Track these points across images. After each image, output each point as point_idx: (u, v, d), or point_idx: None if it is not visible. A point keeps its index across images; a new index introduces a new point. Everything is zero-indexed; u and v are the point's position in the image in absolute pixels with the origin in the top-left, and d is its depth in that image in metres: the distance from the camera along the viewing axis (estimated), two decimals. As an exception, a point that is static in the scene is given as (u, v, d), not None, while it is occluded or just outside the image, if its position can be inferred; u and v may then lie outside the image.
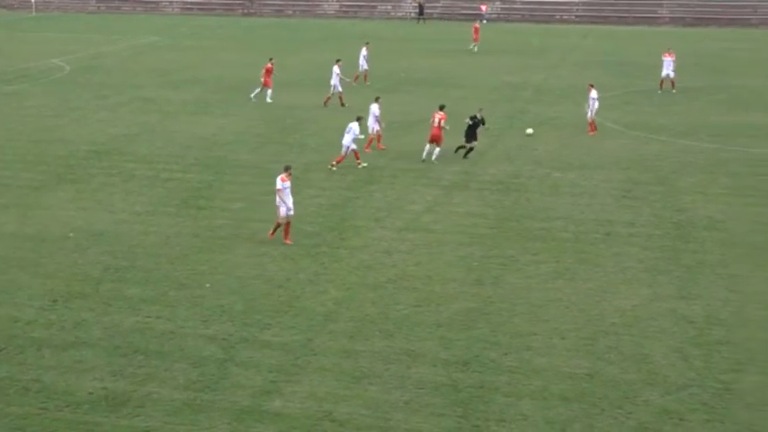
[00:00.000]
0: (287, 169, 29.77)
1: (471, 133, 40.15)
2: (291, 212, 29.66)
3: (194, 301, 25.22)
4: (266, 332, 23.34)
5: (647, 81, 61.01)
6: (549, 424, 19.17)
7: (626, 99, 54.32)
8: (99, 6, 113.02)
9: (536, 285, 26.44)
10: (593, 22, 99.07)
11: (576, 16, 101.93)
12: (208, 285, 26.31)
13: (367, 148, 41.44)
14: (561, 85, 60.33)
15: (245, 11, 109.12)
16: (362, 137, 39.41)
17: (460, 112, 48.20)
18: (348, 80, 54.36)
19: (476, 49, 75.86)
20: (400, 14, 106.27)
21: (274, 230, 29.84)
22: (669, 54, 57.80)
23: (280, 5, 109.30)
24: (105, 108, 52.13)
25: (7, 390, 20.44)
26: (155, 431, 18.95)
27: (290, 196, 29.62)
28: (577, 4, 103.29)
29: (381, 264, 28.03)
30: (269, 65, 54.29)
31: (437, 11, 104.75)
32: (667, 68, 57.18)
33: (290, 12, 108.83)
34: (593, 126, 45.48)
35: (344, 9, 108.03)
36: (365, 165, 38.70)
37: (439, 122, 39.18)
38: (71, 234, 30.59)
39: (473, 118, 40.17)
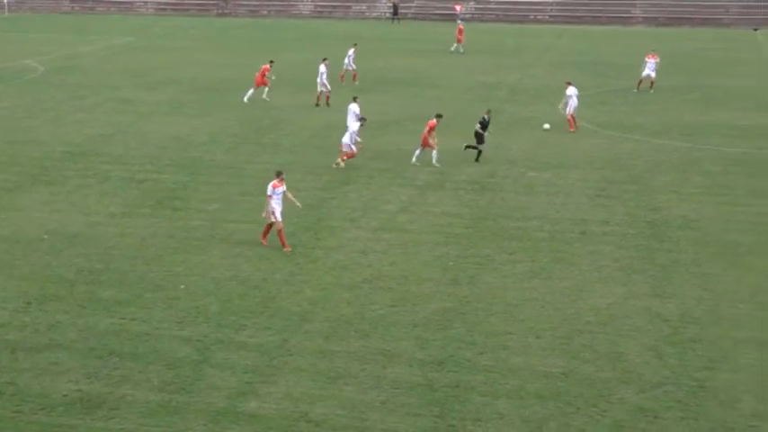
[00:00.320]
0: (279, 175, 29.19)
1: (481, 136, 39.87)
2: (279, 219, 29.01)
3: (169, 302, 25.15)
4: (242, 333, 23.31)
5: (620, 81, 61.30)
6: (524, 423, 19.24)
7: (600, 99, 54.54)
8: (73, 7, 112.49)
9: (512, 285, 26.51)
10: (567, 22, 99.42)
11: (550, 16, 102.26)
12: (183, 287, 26.24)
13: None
14: (536, 84, 60.52)
15: (220, 11, 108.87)
16: (360, 140, 39.37)
17: (437, 113, 48.30)
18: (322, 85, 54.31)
19: (461, 50, 75.57)
20: (375, 15, 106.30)
21: (282, 239, 29.09)
22: (653, 56, 58.41)
23: (254, 6, 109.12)
24: (80, 109, 51.90)
25: (-19, 393, 20.35)
26: (130, 433, 18.92)
27: (281, 203, 29.02)
28: (551, 4, 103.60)
29: (357, 264, 28.04)
30: (267, 66, 54.16)
31: (411, 11, 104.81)
32: (650, 69, 57.70)
33: (265, 12, 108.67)
34: (572, 123, 45.77)
35: (319, 9, 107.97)
36: (342, 166, 38.64)
37: (428, 130, 38.72)
38: (45, 236, 30.44)
39: (482, 121, 39.90)
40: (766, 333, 23.36)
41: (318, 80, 52.55)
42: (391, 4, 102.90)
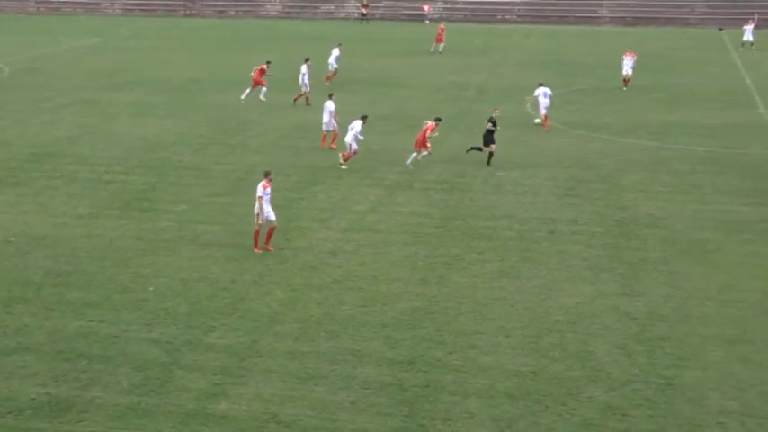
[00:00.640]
0: (267, 175, 28.88)
1: (489, 137, 39.58)
2: (273, 218, 28.81)
3: (138, 304, 25.04)
4: (211, 334, 23.24)
5: (588, 80, 61.60)
6: (494, 422, 19.29)
7: (568, 98, 54.75)
8: (38, 7, 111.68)
9: (481, 284, 26.57)
10: (534, 22, 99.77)
11: (518, 16, 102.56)
12: (151, 288, 26.13)
13: (331, 143, 42.03)
14: (504, 84, 60.69)
15: (187, 11, 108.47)
16: (362, 138, 39.39)
17: (406, 113, 48.38)
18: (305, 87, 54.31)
19: (440, 49, 75.53)
20: (343, 15, 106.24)
21: (257, 241, 28.97)
22: (630, 54, 59.25)
23: (222, 6, 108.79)
24: (46, 110, 51.55)
25: (-52, 397, 20.18)
26: (99, 436, 18.83)
27: (269, 203, 28.84)
28: (519, 3, 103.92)
29: (326, 264, 28.03)
30: (264, 66, 54.05)
31: (379, 11, 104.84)
32: (627, 67, 58.54)
33: (233, 12, 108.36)
34: (545, 122, 46.18)
35: (287, 10, 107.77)
36: (344, 167, 38.65)
37: (424, 131, 38.46)
38: (12, 238, 30.21)
39: (491, 120, 39.69)
40: (733, 330, 23.55)
41: (300, 80, 52.52)
42: (361, 5, 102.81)
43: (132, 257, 28.62)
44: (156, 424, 19.13)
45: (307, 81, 52.34)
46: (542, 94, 46.89)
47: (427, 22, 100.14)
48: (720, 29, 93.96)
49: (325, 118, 42.02)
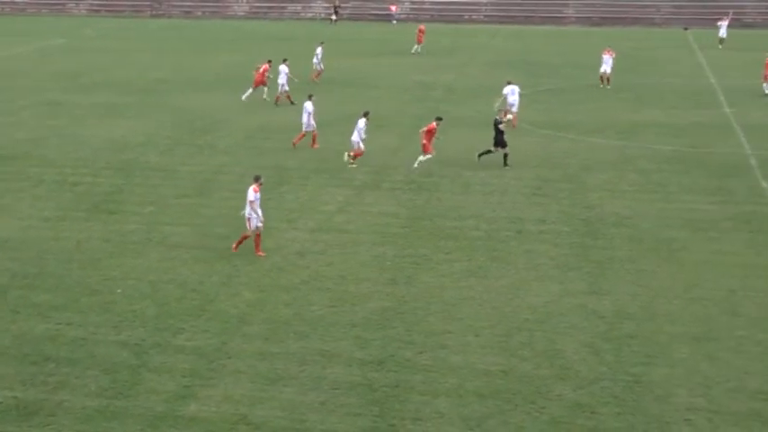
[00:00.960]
0: (257, 179, 28.69)
1: (500, 138, 39.32)
2: (261, 224, 28.67)
3: (106, 306, 24.92)
4: (179, 336, 23.16)
5: (554, 80, 61.86)
6: (464, 421, 19.35)
7: (534, 98, 54.93)
8: (3, 8, 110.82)
9: (449, 284, 26.64)
10: (501, 22, 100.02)
11: (485, 16, 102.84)
12: (119, 290, 26.01)
13: (312, 144, 42.35)
14: (471, 84, 60.85)
15: (154, 12, 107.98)
16: (365, 137, 39.56)
17: (374, 113, 48.35)
18: (296, 80, 54.31)
19: (419, 49, 75.48)
20: (310, 15, 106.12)
21: (239, 243, 28.79)
22: (608, 52, 60.08)
23: (189, 6, 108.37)
24: (11, 112, 51.18)
25: None
26: (67, 439, 18.72)
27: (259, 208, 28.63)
28: (485, 4, 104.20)
29: (295, 265, 28.00)
30: (266, 65, 53.98)
31: (347, 12, 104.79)
32: (606, 65, 59.40)
33: (200, 13, 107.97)
34: (514, 120, 46.50)
35: (254, 10, 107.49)
36: (354, 166, 38.78)
37: (426, 133, 38.20)
38: (-23, 241, 30.01)
39: (497, 122, 39.40)
40: (700, 328, 23.73)
41: (279, 80, 52.53)
42: (332, 6, 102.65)
43: (100, 259, 28.48)
44: (124, 427, 19.04)
45: (285, 81, 52.38)
46: (510, 92, 47.22)
47: (394, 22, 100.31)
48: (686, 28, 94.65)
49: (305, 118, 42.13)
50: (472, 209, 33.60)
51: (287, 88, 52.61)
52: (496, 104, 46.42)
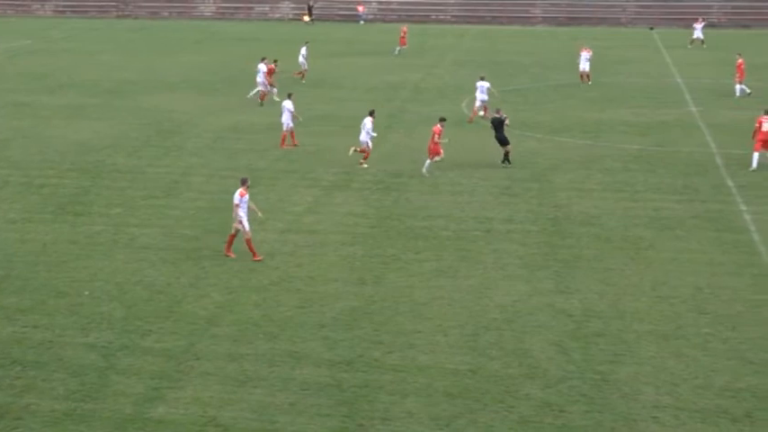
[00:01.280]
0: (244, 182, 28.43)
1: (501, 136, 39.26)
2: (247, 228, 28.29)
3: (73, 309, 24.77)
4: (147, 338, 23.07)
5: (522, 79, 62.08)
6: (433, 420, 19.38)
7: (503, 98, 54.92)
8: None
9: (418, 283, 26.68)
10: (468, 22, 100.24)
11: (452, 16, 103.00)
12: (87, 293, 25.87)
13: (293, 142, 42.44)
14: (439, 84, 60.97)
15: (120, 13, 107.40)
16: (375, 134, 39.79)
17: (342, 113, 48.36)
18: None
19: (399, 51, 75.42)
20: (278, 16, 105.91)
21: (253, 250, 28.37)
22: (586, 50, 61.38)
23: (155, 7, 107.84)
24: (-24, 113, 50.78)
25: None
26: (35, 443, 18.61)
27: (246, 212, 28.22)
28: (453, 4, 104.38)
29: (264, 266, 27.95)
30: (272, 65, 53.94)
31: (315, 12, 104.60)
32: (584, 63, 60.73)
33: (166, 13, 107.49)
34: (475, 111, 48.12)
35: (221, 11, 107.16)
36: (366, 166, 38.98)
37: (432, 136, 37.83)
38: (-58, 244, 29.76)
39: (499, 120, 39.21)
40: (667, 326, 23.89)
41: (258, 79, 52.50)
42: (305, 6, 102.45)
43: (67, 262, 28.31)
44: (92, 430, 18.94)
45: (264, 80, 52.43)
46: (480, 89, 48.44)
47: (362, 22, 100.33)
48: (651, 28, 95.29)
49: (285, 118, 42.14)
50: (441, 209, 33.66)
51: (267, 87, 52.61)
52: (463, 104, 46.44)
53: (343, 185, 36.63)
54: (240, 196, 28.08)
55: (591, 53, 61.49)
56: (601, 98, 55.98)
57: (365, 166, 39.02)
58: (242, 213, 28.11)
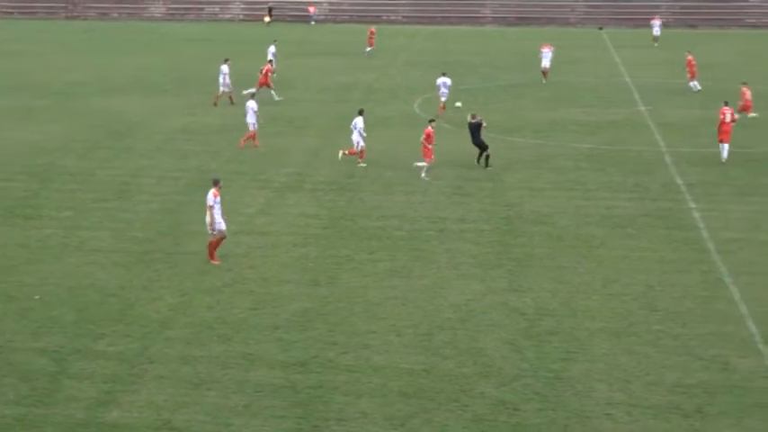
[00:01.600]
0: (216, 183, 28.16)
1: (478, 140, 39.20)
2: (224, 227, 28.09)
3: (23, 313, 24.50)
4: (100, 342, 22.88)
5: (473, 79, 62.29)
6: (388, 420, 19.40)
7: (456, 97, 55.19)
8: None
9: (372, 283, 26.69)
10: (419, 23, 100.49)
11: (403, 17, 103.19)
12: (37, 297, 25.61)
13: (254, 143, 42.38)
14: (391, 84, 61.04)
15: (69, 14, 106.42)
16: (365, 135, 39.81)
17: (294, 114, 48.22)
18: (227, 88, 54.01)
19: (372, 52, 75.17)
20: (228, 16, 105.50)
21: (212, 252, 28.11)
22: (547, 47, 62.76)
23: (104, 8, 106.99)
24: None
25: None
26: (-14, 449, 18.39)
27: (220, 213, 27.99)
28: (404, 4, 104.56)
29: (217, 268, 27.81)
30: (268, 66, 54.03)
31: (265, 13, 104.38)
32: (545, 60, 62.01)
33: (116, 14, 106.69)
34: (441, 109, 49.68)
35: (171, 12, 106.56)
36: (364, 165, 39.20)
37: (425, 139, 37.47)
38: None
39: (477, 123, 39.19)
40: (619, 323, 24.09)
41: (221, 80, 52.33)
42: (267, 8, 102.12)
43: (16, 265, 28.01)
44: (44, 435, 18.79)
45: (228, 81, 52.25)
46: (442, 84, 50.21)
47: (313, 23, 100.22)
48: (600, 28, 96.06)
49: (250, 118, 42.05)
50: (394, 209, 33.71)
51: (232, 87, 52.47)
52: (415, 105, 46.50)
53: (296, 186, 36.56)
54: (213, 197, 27.85)
55: (552, 50, 62.66)
56: (551, 98, 56.33)
57: (363, 165, 39.19)
58: (216, 214, 27.90)
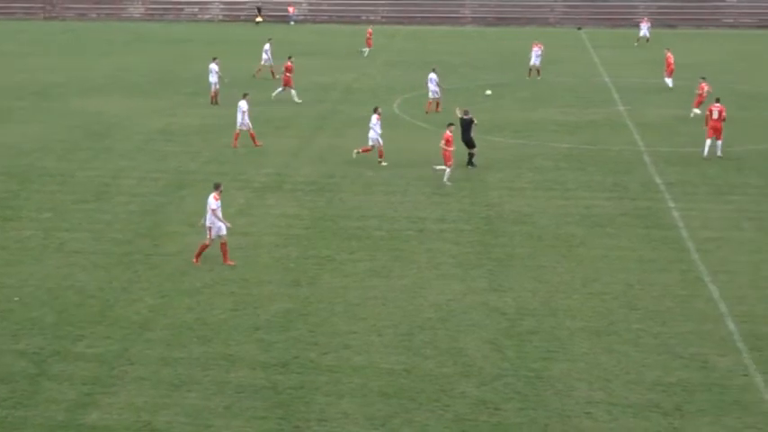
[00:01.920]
0: (217, 187, 28.10)
1: (468, 138, 39.00)
2: (224, 232, 27.91)
3: (2, 315, 24.41)
4: (79, 344, 22.81)
5: (452, 79, 62.28)
6: (369, 420, 19.43)
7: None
8: None
9: (353, 284, 26.70)
10: (399, 23, 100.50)
11: (383, 17, 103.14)
12: (16, 299, 25.51)
13: (235, 143, 42.40)
14: (371, 84, 61.02)
15: (47, 14, 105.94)
16: (380, 132, 39.85)
17: (273, 114, 48.16)
18: (227, 80, 54.01)
19: (366, 52, 75.23)
20: (207, 17, 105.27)
21: (200, 253, 28.09)
22: (537, 45, 63.71)
23: (83, 8, 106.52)
24: None
25: None
26: (-35, 452, 18.31)
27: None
28: (383, 4, 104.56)
29: (197, 269, 27.76)
30: (288, 63, 53.85)
31: (244, 13, 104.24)
32: (535, 58, 63.21)
33: (94, 15, 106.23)
34: (436, 105, 50.29)
35: (150, 12, 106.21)
36: (385, 164, 39.38)
37: (444, 143, 36.87)
38: None
39: (468, 120, 38.99)
40: (599, 322, 24.18)
41: (211, 79, 52.34)
42: (256, 8, 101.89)
43: (-5, 267, 27.90)
44: (24, 437, 18.72)
45: (217, 79, 52.38)
46: (430, 80, 50.69)
47: (292, 23, 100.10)
48: (579, 28, 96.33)
49: (239, 117, 42.03)
50: (374, 209, 33.72)
51: (218, 87, 52.54)
52: (395, 105, 46.49)
53: (276, 187, 36.52)
54: (215, 200, 27.74)
55: (542, 49, 63.61)
56: (531, 98, 56.44)
57: (384, 163, 39.36)
58: (219, 216, 27.79)
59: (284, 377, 21.21)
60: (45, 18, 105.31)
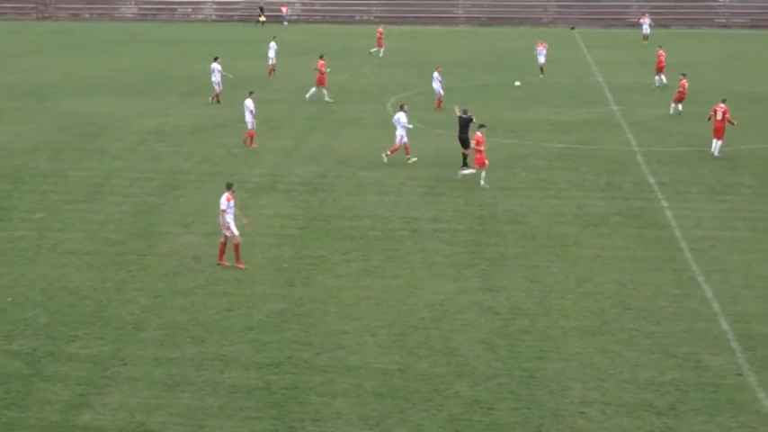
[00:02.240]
0: (230, 187, 27.96)
1: (465, 137, 38.80)
2: (237, 233, 27.78)
3: (-4, 316, 24.39)
4: (73, 344, 22.78)
5: (445, 79, 62.26)
6: (363, 420, 19.43)
7: (427, 97, 55.29)
8: None
9: (346, 284, 26.70)
10: (392, 23, 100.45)
11: (376, 17, 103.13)
12: (10, 299, 25.47)
13: (251, 143, 42.47)
14: (364, 84, 61.03)
15: (40, 14, 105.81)
16: (411, 126, 40.11)
17: (266, 115, 48.10)
18: (230, 76, 54.44)
19: (381, 53, 75.32)
20: (200, 17, 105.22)
21: (222, 252, 28.01)
22: (542, 45, 64.86)
23: (76, 9, 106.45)
24: None
25: None
26: (-42, 453, 18.29)
27: (233, 217, 27.71)
28: (376, 4, 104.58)
29: (190, 269, 27.75)
30: (321, 62, 54.19)
31: (237, 14, 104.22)
32: (541, 56, 64.31)
33: (87, 15, 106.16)
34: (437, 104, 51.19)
35: (143, 12, 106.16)
36: (414, 159, 39.56)
37: (476, 145, 36.62)
38: None
39: (467, 119, 38.96)
40: (592, 322, 24.21)
41: (213, 79, 52.65)
42: (258, 8, 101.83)
43: (-12, 268, 27.86)
44: (18, 438, 18.70)
45: (219, 79, 52.40)
46: (434, 79, 51.93)
47: (285, 23, 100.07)
48: (572, 28, 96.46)
49: (247, 117, 42.03)
50: (368, 209, 33.72)
51: (221, 87, 52.68)
52: (387, 105, 46.48)
53: (269, 187, 36.50)
54: (227, 201, 27.66)
55: (547, 47, 64.71)
56: (524, 98, 56.49)
57: (413, 160, 39.54)
58: (229, 219, 27.69)
59: (278, 377, 21.21)
60: (38, 18, 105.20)
